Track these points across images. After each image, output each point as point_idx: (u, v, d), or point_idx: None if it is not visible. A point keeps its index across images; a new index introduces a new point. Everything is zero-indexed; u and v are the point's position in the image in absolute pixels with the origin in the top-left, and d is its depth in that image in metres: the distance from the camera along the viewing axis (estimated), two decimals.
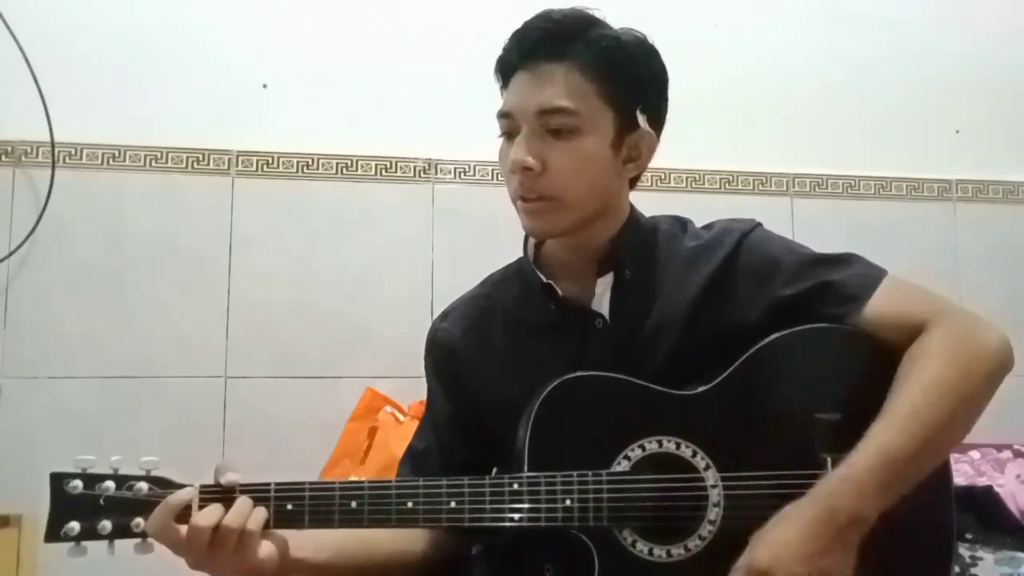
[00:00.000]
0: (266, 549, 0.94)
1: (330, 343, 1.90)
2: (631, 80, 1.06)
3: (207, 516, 0.90)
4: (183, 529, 0.90)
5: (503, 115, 1.07)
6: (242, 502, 0.92)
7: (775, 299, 1.06)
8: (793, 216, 2.10)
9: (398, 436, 1.75)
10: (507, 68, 1.08)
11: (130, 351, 1.82)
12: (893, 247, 2.05)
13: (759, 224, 1.14)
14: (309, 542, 0.99)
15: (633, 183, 1.15)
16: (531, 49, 1.05)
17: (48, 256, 1.82)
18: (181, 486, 0.93)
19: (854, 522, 0.90)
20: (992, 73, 2.24)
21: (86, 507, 0.90)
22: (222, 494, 0.93)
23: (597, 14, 1.08)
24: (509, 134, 1.07)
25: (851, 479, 0.91)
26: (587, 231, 1.09)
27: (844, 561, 0.91)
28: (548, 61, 1.04)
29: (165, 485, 0.93)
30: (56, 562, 1.67)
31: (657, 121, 1.11)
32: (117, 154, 1.88)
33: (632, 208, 1.15)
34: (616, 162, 1.08)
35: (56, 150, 1.82)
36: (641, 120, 1.08)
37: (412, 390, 1.82)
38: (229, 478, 0.94)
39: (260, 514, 0.93)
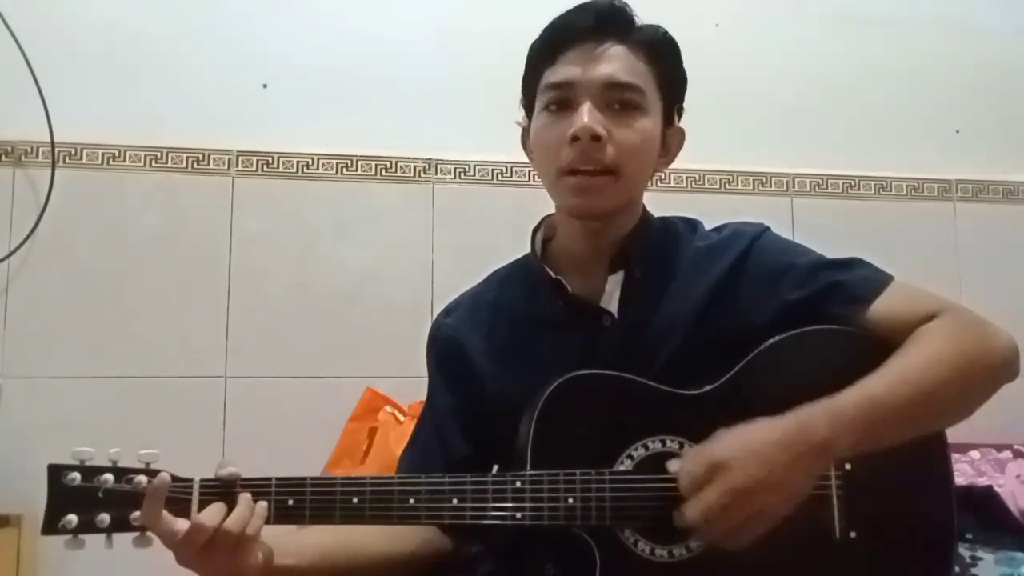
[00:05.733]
0: (256, 554, 0.92)
1: (330, 343, 1.90)
2: (677, 76, 1.11)
3: (211, 516, 0.88)
4: (177, 521, 0.88)
5: (556, 86, 1.06)
6: (245, 505, 0.91)
7: (784, 303, 1.06)
8: (793, 216, 2.10)
9: (398, 436, 1.75)
10: (565, 39, 1.07)
11: (130, 351, 1.83)
12: (893, 247, 2.04)
13: (768, 228, 1.15)
14: (293, 548, 0.98)
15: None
16: (595, 24, 1.06)
17: (48, 256, 1.82)
18: (181, 479, 0.91)
19: (824, 447, 0.90)
20: (992, 73, 2.24)
21: (84, 500, 0.89)
22: (223, 488, 0.91)
23: None
24: (558, 105, 1.06)
25: (830, 410, 0.92)
26: (611, 221, 1.09)
27: (801, 484, 0.91)
28: (610, 38, 1.06)
29: None
30: (56, 561, 1.69)
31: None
32: (117, 154, 1.88)
33: (644, 207, 1.16)
34: (659, 151, 1.11)
35: (56, 150, 1.82)
36: (676, 118, 1.12)
37: (412, 390, 1.82)
38: (229, 471, 0.92)
39: (260, 519, 0.91)
